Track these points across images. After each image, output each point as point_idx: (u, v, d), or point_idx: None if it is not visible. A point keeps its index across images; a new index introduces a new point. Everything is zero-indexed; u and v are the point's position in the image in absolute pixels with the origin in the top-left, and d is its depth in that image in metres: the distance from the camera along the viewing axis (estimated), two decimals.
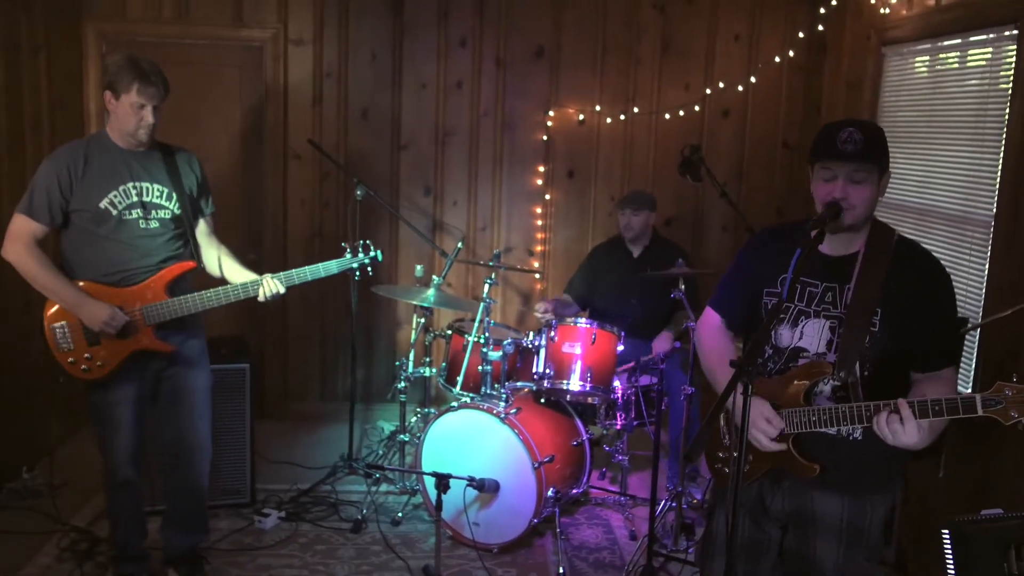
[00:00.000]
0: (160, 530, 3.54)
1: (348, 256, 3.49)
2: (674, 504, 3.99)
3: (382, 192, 5.23)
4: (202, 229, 3.41)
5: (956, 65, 3.99)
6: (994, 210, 3.52)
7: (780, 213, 5.46)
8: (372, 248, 3.52)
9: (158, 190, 3.19)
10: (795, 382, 2.37)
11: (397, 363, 4.47)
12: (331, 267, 3.41)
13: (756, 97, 5.39)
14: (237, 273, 3.38)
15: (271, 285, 3.30)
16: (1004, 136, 3.48)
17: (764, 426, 2.34)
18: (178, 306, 3.18)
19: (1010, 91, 3.45)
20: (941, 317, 2.34)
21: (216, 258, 3.39)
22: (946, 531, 2.38)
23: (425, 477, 3.94)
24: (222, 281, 3.35)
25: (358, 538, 4.01)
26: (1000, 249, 3.46)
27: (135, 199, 3.14)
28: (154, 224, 3.18)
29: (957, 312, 2.42)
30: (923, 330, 2.31)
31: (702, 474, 4.49)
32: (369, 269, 3.53)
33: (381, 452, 4.88)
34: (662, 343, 4.49)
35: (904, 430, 2.11)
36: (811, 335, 2.39)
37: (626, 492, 4.41)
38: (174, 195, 3.22)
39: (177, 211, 3.23)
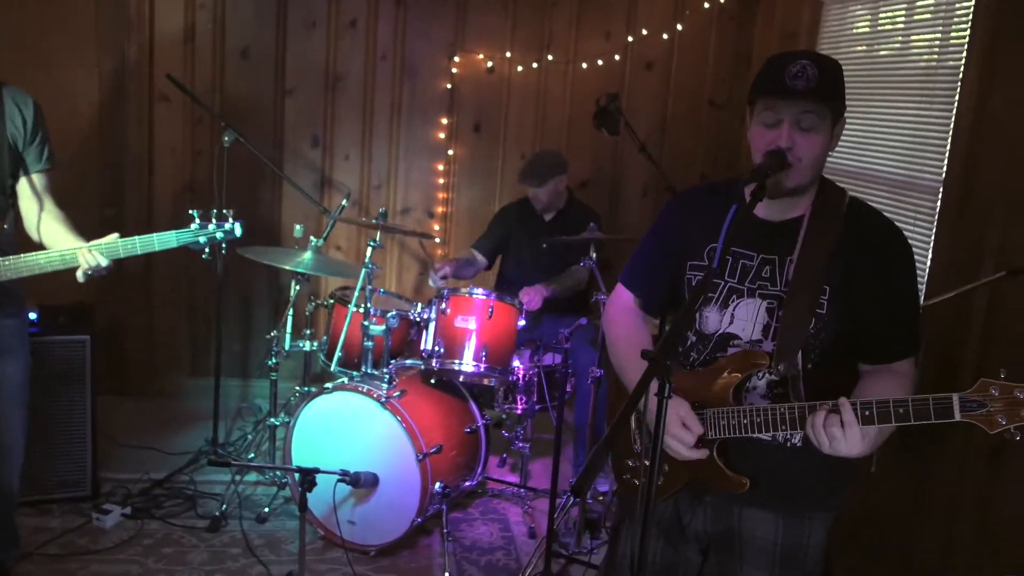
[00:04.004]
0: None
1: (195, 227, 2.71)
2: (578, 499, 3.54)
3: (263, 142, 4.61)
4: (25, 188, 2.72)
5: (903, 15, 3.58)
6: (943, 175, 3.12)
7: (705, 177, 5.04)
8: (230, 219, 2.82)
9: None
10: (723, 376, 1.92)
11: (268, 336, 3.88)
12: (169, 239, 2.67)
13: (682, 48, 4.93)
14: (61, 239, 2.71)
15: (90, 257, 2.63)
16: (957, 93, 3.07)
17: (678, 431, 1.88)
18: None
19: (966, 43, 3.05)
20: (901, 297, 1.91)
21: (40, 221, 2.71)
22: None
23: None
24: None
25: (215, 538, 3.45)
26: (948, 219, 3.07)
27: None
28: None
29: (919, 291, 1.99)
30: (879, 312, 1.88)
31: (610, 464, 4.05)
32: (223, 247, 2.86)
33: (250, 437, 4.30)
34: (530, 294, 3.94)
35: (844, 436, 1.68)
36: (744, 318, 1.94)
37: (526, 484, 3.95)
38: None
39: None
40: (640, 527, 1.60)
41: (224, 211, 2.73)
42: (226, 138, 3.91)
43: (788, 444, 1.94)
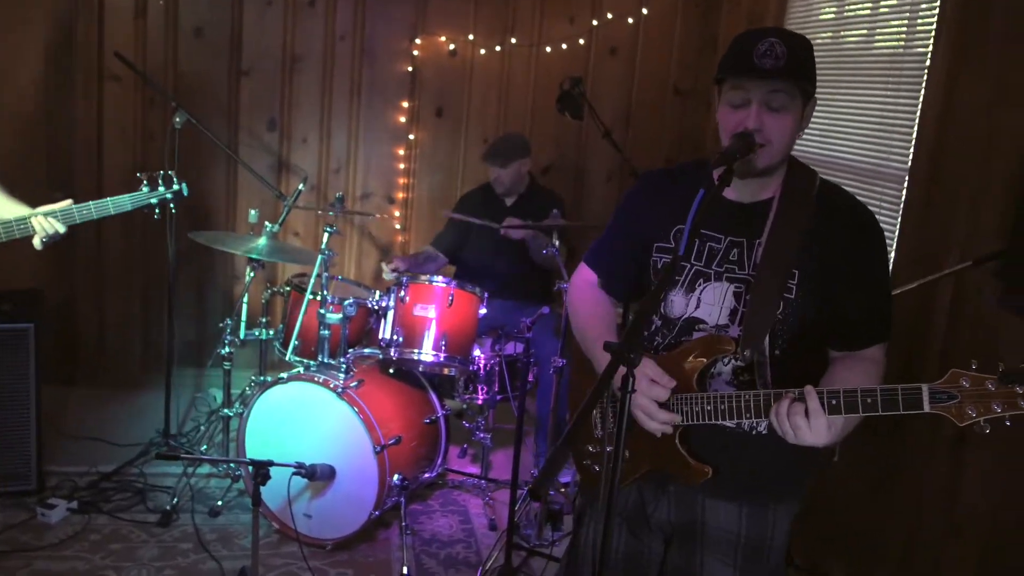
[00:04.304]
0: None
1: (145, 189, 2.83)
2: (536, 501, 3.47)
3: (218, 124, 4.48)
4: None
5: (870, 1, 3.54)
6: (909, 163, 3.08)
7: (669, 163, 4.96)
8: (175, 180, 2.86)
9: None
10: (687, 361, 1.86)
11: (221, 324, 3.76)
12: (123, 203, 2.80)
13: (647, 34, 4.86)
14: (1, 208, 2.68)
15: (46, 224, 2.62)
16: (924, 80, 3.04)
17: (648, 387, 1.79)
18: None
19: (933, 30, 3.01)
20: (872, 282, 1.87)
21: None
22: None
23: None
24: None
25: (165, 533, 3.34)
26: (914, 208, 3.03)
27: None
28: None
29: (890, 276, 1.95)
30: (849, 298, 1.83)
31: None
32: (172, 206, 2.88)
33: (203, 428, 4.17)
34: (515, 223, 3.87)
35: (809, 426, 1.63)
36: (710, 302, 1.89)
37: (487, 475, 3.87)
38: None
39: None
40: (603, 513, 1.54)
41: (169, 172, 2.91)
42: (178, 119, 3.78)
43: (753, 432, 1.89)
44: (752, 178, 1.83)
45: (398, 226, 4.86)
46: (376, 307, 3.44)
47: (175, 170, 2.88)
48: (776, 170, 1.86)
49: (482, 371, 3.67)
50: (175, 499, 3.49)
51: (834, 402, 1.63)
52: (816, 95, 1.83)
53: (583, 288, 2.14)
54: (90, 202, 2.74)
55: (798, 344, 1.86)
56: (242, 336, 3.78)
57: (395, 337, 3.36)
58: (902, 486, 2.98)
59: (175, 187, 2.90)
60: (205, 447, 3.98)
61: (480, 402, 3.74)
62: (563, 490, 3.62)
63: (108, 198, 2.78)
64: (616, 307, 2.17)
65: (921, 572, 2.91)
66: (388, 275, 3.90)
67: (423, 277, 3.47)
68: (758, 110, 1.75)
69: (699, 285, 1.89)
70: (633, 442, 1.89)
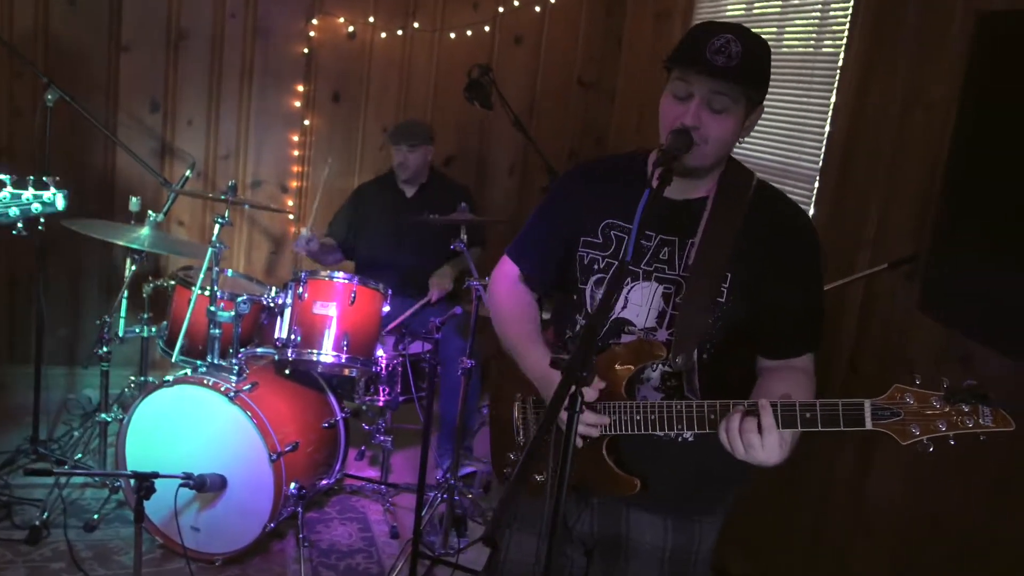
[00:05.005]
0: None
1: (6, 196, 2.12)
2: (445, 496, 3.33)
3: (95, 102, 4.13)
4: None
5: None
6: (820, 163, 3.08)
7: (573, 155, 4.90)
8: (52, 187, 2.29)
9: None
10: (616, 366, 1.75)
11: (98, 321, 3.46)
12: None
13: (553, 24, 4.75)
14: None
15: None
16: (836, 81, 3.03)
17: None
18: None
19: (846, 29, 3.00)
20: (805, 289, 1.81)
21: None
22: None
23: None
24: None
25: (35, 552, 3.05)
26: (825, 208, 3.02)
27: None
28: None
29: (823, 284, 1.89)
30: (782, 304, 1.77)
31: (478, 457, 3.86)
32: (41, 220, 2.36)
33: (77, 434, 3.84)
34: (440, 282, 3.79)
35: (763, 444, 1.54)
36: (638, 303, 1.80)
37: (387, 480, 3.70)
38: None
39: None
40: (547, 533, 1.44)
41: (44, 178, 2.18)
42: (49, 96, 3.45)
43: (680, 439, 1.81)
44: (680, 177, 1.73)
45: (292, 216, 4.61)
46: (272, 304, 3.21)
47: (47, 156, 2.46)
48: (709, 171, 1.78)
49: (384, 372, 3.49)
50: (45, 513, 3.18)
51: (777, 415, 1.55)
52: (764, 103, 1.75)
53: (505, 283, 2.03)
54: None
55: (727, 350, 1.79)
56: (120, 333, 3.49)
57: (292, 337, 3.14)
58: (810, 480, 2.97)
59: (48, 197, 2.15)
60: (80, 455, 3.65)
61: (381, 404, 3.56)
62: (470, 495, 3.48)
63: None
64: (536, 300, 2.05)
65: (827, 568, 2.92)
66: (299, 246, 3.69)
67: (323, 273, 3.27)
68: (698, 107, 1.66)
69: (627, 284, 1.79)
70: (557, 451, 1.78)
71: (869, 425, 1.48)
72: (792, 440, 1.58)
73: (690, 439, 1.80)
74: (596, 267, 1.83)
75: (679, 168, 1.67)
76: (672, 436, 1.80)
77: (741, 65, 1.60)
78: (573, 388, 1.32)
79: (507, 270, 2.03)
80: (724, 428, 1.57)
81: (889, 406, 1.48)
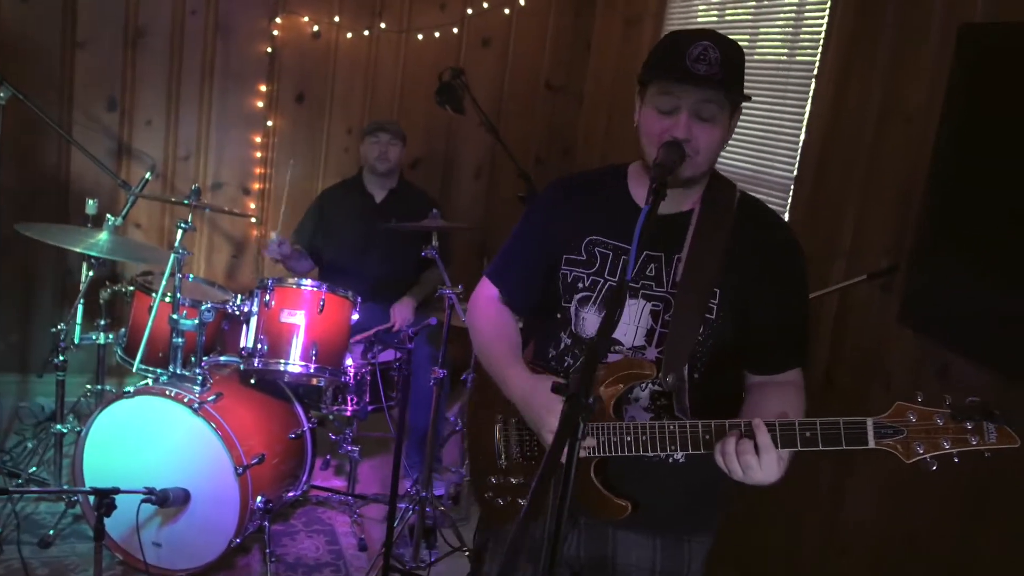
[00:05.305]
0: None
1: None
2: (416, 508, 3.26)
3: (48, 100, 3.99)
4: None
5: (752, 6, 3.52)
6: (795, 172, 3.07)
7: (539, 161, 4.86)
8: None
9: None
10: (603, 386, 1.70)
11: (54, 329, 3.33)
12: None
13: (521, 26, 4.70)
14: None
15: None
16: (811, 90, 3.02)
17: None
18: None
19: (821, 38, 3.00)
20: (795, 300, 1.79)
21: None
22: None
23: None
24: None
25: None
26: (799, 217, 3.02)
27: None
28: None
29: (809, 297, 1.87)
30: (770, 318, 1.74)
31: (448, 467, 3.79)
32: None
33: (31, 445, 3.70)
34: (403, 312, 3.73)
35: (760, 464, 1.51)
36: (626, 321, 1.76)
37: (354, 491, 3.62)
38: None
39: None
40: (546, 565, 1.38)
41: None
42: (1, 94, 3.31)
43: (670, 460, 1.77)
44: (673, 189, 1.70)
45: (254, 220, 4.50)
46: (237, 312, 3.12)
47: None
48: (699, 181, 1.75)
49: (352, 381, 3.41)
50: None
51: (770, 434, 1.52)
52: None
53: (485, 306, 1.97)
54: None
55: (718, 368, 1.76)
56: (76, 340, 3.36)
57: (259, 346, 3.05)
58: (787, 496, 2.96)
59: None
60: (35, 468, 3.50)
61: (349, 413, 3.48)
62: (441, 507, 3.41)
63: None
64: (517, 322, 2.00)
65: None
66: (272, 252, 3.58)
67: (291, 280, 3.18)
68: (688, 119, 1.62)
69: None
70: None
71: (872, 444, 1.46)
72: (789, 457, 1.55)
73: (681, 460, 1.76)
74: (581, 285, 1.78)
75: (674, 180, 1.63)
76: (663, 457, 1.76)
77: (722, 70, 1.59)
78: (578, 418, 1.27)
79: (487, 293, 1.97)
80: (720, 451, 1.54)
81: (892, 424, 1.45)
